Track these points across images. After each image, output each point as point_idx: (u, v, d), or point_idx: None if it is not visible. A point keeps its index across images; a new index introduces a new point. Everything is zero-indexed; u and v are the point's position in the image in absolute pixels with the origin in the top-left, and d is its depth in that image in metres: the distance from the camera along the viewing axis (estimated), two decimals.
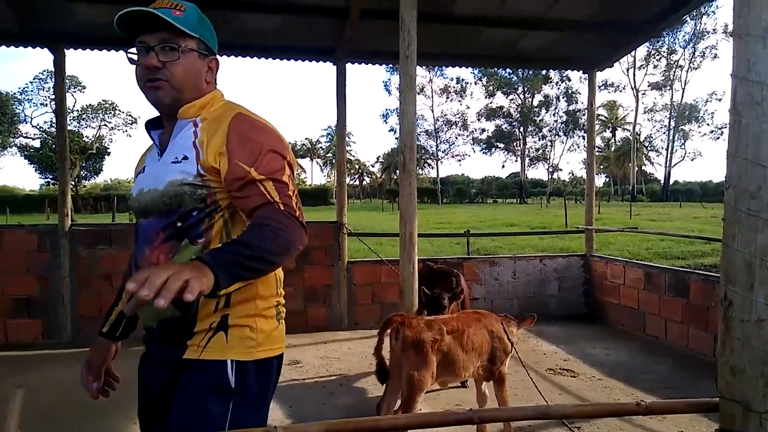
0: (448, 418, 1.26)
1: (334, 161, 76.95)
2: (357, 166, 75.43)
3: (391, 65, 10.25)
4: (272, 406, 4.01)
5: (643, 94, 60.70)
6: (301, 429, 1.22)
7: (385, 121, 69.26)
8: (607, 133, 66.94)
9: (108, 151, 56.17)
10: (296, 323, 6.12)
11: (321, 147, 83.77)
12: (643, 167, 66.83)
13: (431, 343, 3.15)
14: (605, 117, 64.78)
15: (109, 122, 55.11)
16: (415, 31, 3.82)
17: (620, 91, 72.94)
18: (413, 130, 3.97)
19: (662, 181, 63.75)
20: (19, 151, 51.88)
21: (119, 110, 55.30)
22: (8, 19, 5.52)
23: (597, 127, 7.72)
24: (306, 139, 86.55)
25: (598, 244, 9.84)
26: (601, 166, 64.05)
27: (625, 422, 3.66)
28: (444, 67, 52.06)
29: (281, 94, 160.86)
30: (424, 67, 47.83)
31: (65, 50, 5.96)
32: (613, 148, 65.97)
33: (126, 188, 65.29)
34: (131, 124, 55.73)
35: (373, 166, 78.04)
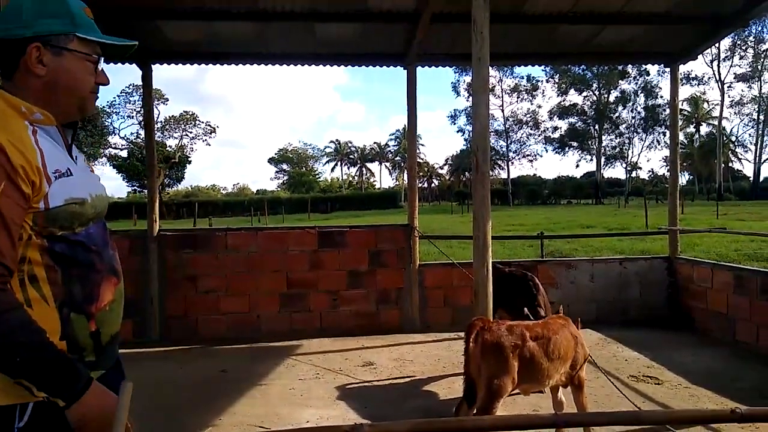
0: (533, 421, 1.25)
1: (402, 164, 77.39)
2: (426, 169, 75.32)
3: (460, 67, 10.16)
4: (347, 407, 4.13)
5: (728, 86, 57.14)
6: (387, 427, 1.25)
7: (453, 122, 68.96)
8: (691, 129, 63.42)
9: (189, 159, 59.09)
10: (369, 325, 6.23)
11: (389, 150, 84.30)
12: (730, 164, 62.82)
13: (512, 348, 3.10)
14: (688, 112, 61.36)
15: (190, 132, 57.99)
16: (487, 32, 3.79)
17: (704, 84, 68.67)
18: (486, 132, 3.94)
19: (751, 179, 59.69)
20: (108, 161, 55.43)
21: (199, 120, 58.10)
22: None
23: (680, 122, 7.35)
24: (375, 143, 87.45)
25: (683, 245, 9.32)
26: (685, 164, 60.70)
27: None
28: (516, 67, 51.26)
29: (353, 97, 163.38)
30: (495, 67, 47.28)
31: (152, 65, 6.35)
32: (697, 145, 62.39)
33: (206, 195, 68.33)
34: (210, 134, 58.49)
35: (441, 168, 77.73)
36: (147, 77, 6.39)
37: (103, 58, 1.43)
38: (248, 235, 6.37)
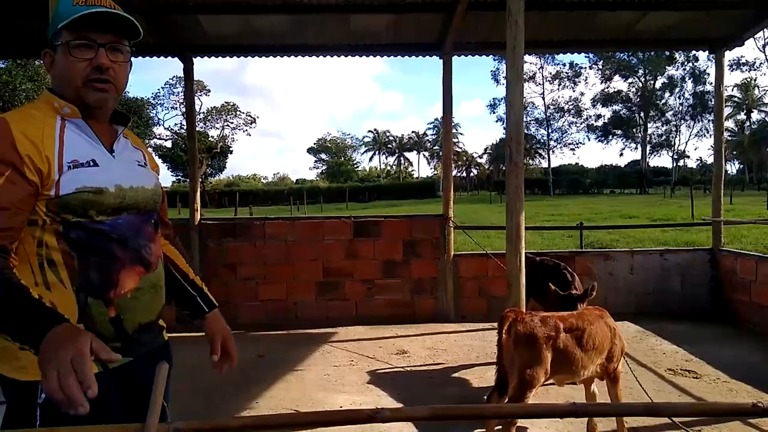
0: (552, 410, 1.28)
1: (440, 154, 76.75)
2: (464, 158, 74.75)
3: (498, 56, 10.01)
4: (381, 393, 4.20)
5: None
6: (408, 412, 1.30)
7: (492, 111, 68.04)
8: (741, 116, 60.93)
9: (231, 149, 60.27)
10: (404, 314, 6.29)
11: (428, 140, 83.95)
12: None
13: (544, 339, 3.10)
14: (739, 98, 58.97)
15: (232, 123, 59.08)
16: (522, 21, 3.76)
17: (755, 70, 65.60)
18: (520, 121, 3.91)
19: None
20: (153, 152, 56.83)
21: (240, 111, 59.10)
22: (147, 33, 6.13)
23: (730, 109, 7.16)
24: (413, 132, 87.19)
25: (730, 237, 9.03)
26: (735, 152, 58.46)
27: (750, 426, 3.39)
28: (555, 54, 50.12)
29: (390, 86, 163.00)
30: (534, 54, 46.36)
31: (193, 58, 6.52)
32: (748, 132, 59.92)
33: (247, 184, 69.48)
34: (251, 124, 59.50)
35: (480, 158, 76.98)
36: (188, 70, 6.56)
37: (125, 44, 1.44)
38: (286, 225, 6.50)
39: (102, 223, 1.38)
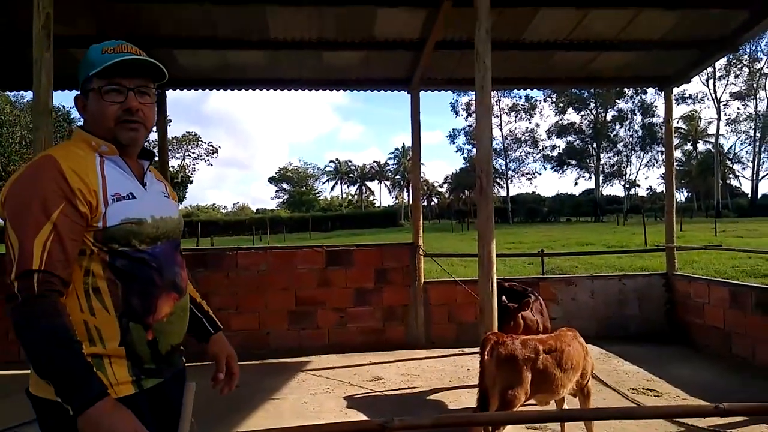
0: (544, 416, 1.44)
1: (402, 183, 77.75)
2: (425, 187, 75.63)
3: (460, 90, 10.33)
4: (361, 417, 4.28)
5: (724, 104, 57.71)
6: (413, 421, 1.44)
7: (452, 141, 69.43)
8: (688, 146, 63.95)
9: (191, 179, 59.56)
10: (376, 341, 6.39)
11: (389, 169, 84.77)
12: (728, 181, 63.24)
13: (524, 360, 3.27)
14: (685, 129, 61.94)
15: (193, 152, 58.55)
16: (489, 63, 4.03)
17: (699, 103, 69.09)
18: (489, 155, 4.15)
19: (749, 195, 60.09)
20: None
21: (201, 141, 58.68)
22: None
23: (677, 140, 7.59)
24: (374, 161, 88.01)
25: (681, 262, 9.47)
26: (683, 181, 61.16)
27: None
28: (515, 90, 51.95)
29: (353, 117, 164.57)
30: (497, 91, 47.77)
31: (166, 92, 6.61)
32: (694, 162, 62.85)
33: (206, 215, 68.47)
34: (212, 154, 59.04)
35: (441, 187, 78.08)
36: (161, 104, 6.64)
37: (152, 86, 1.58)
38: (258, 254, 6.56)
39: (143, 251, 1.50)
